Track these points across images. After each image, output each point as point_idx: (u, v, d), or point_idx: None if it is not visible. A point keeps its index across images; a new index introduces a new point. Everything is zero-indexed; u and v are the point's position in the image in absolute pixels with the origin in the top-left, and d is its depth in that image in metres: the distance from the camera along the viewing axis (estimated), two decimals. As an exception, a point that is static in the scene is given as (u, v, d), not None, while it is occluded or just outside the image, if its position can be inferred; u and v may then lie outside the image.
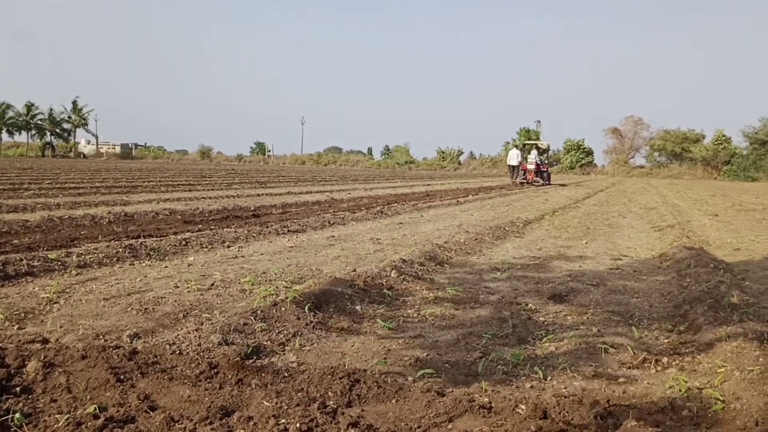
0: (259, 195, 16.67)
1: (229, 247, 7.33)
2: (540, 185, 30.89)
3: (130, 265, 5.94)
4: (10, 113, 79.81)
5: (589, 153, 77.82)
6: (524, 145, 37.05)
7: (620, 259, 7.37)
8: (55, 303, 4.34)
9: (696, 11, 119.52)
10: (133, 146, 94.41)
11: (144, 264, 6.02)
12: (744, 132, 68.00)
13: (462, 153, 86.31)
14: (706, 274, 5.71)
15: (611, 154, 79.62)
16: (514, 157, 32.29)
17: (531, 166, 31.59)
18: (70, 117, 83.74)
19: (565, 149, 75.84)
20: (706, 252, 7.54)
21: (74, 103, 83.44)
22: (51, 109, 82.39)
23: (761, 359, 3.19)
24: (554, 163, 45.66)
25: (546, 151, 37.86)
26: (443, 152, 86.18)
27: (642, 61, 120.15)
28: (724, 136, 69.34)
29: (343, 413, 2.59)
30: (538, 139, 68.14)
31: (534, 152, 32.65)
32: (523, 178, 31.37)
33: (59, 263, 5.57)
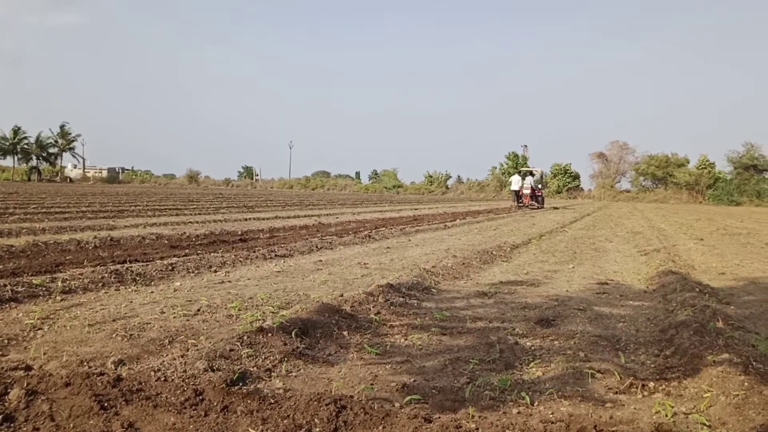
0: (246, 219, 16.64)
1: (215, 272, 7.30)
2: (536, 208, 33.50)
3: (115, 290, 5.90)
4: (-4, 137, 79.45)
5: (576, 177, 78.39)
6: (520, 171, 38.77)
7: (607, 284, 7.40)
8: (39, 329, 4.30)
9: (680, 37, 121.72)
10: (120, 170, 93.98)
11: (130, 289, 5.98)
12: (729, 157, 68.92)
13: (450, 177, 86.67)
14: (691, 299, 5.74)
15: (597, 178, 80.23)
16: (515, 183, 34.65)
17: (527, 191, 34.07)
18: (56, 141, 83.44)
19: (552, 173, 76.35)
20: (691, 276, 7.59)
21: (62, 127, 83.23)
22: (40, 134, 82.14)
23: (746, 384, 3.21)
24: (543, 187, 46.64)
25: (541, 177, 40.50)
26: (431, 176, 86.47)
27: (627, 87, 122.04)
28: (708, 160, 70.17)
29: (329, 440, 2.57)
30: (525, 163, 68.84)
31: (529, 178, 35.10)
32: (521, 202, 33.78)
33: (44, 289, 5.53)
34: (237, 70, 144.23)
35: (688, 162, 72.46)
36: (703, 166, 70.05)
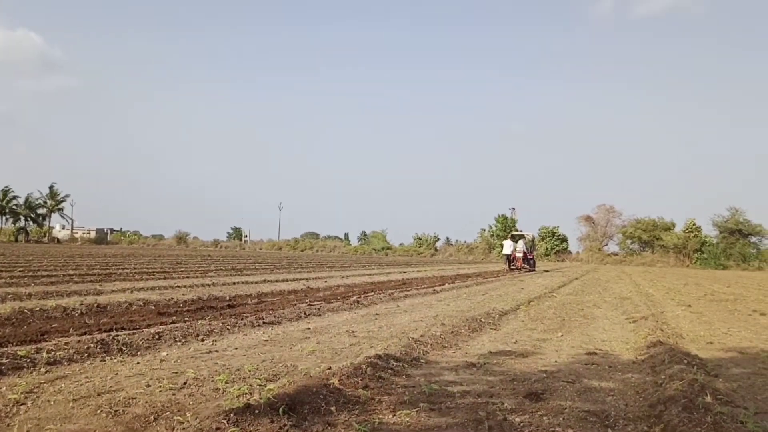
0: (234, 283, 16.55)
1: (203, 340, 7.25)
2: (527, 271, 35.22)
3: (101, 361, 5.84)
4: (-15, 198, 79.50)
5: (564, 240, 78.86)
6: (513, 236, 40.15)
7: (595, 354, 7.40)
8: (23, 404, 4.24)
9: (663, 102, 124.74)
10: (109, 231, 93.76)
11: (116, 360, 5.92)
12: (714, 221, 69.80)
13: (438, 239, 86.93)
14: (680, 372, 5.74)
15: (585, 241, 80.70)
16: (507, 247, 36.20)
17: (519, 254, 35.78)
18: (45, 202, 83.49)
19: (540, 236, 76.77)
20: (679, 347, 7.59)
21: (51, 188, 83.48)
22: (29, 195, 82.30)
23: (735, 465, 3.20)
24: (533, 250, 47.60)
25: (532, 241, 43.00)
26: (420, 238, 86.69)
27: (613, 150, 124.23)
28: (694, 224, 70.85)
29: None
30: (514, 225, 69.47)
31: (521, 242, 36.77)
32: (513, 265, 35.30)
33: (28, 360, 5.47)
34: (228, 131, 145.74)
35: (674, 226, 73.18)
36: (689, 229, 70.68)
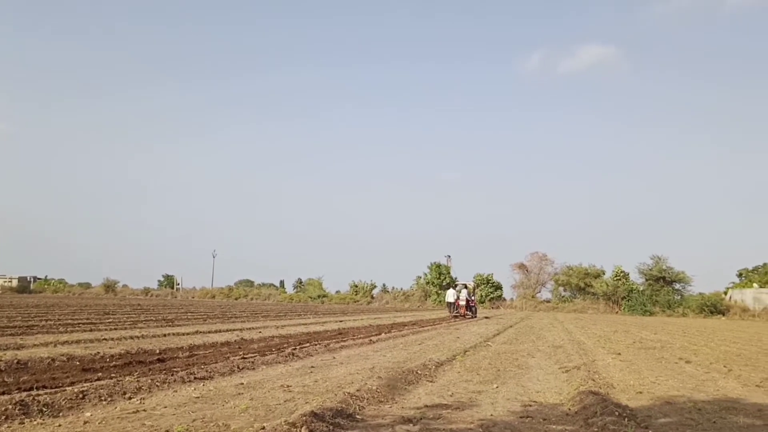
0: (165, 335, 16.03)
1: (130, 399, 6.97)
2: (470, 317, 37.92)
3: (19, 424, 5.54)
4: None
5: (498, 287, 79.94)
6: (456, 285, 43.53)
7: (530, 406, 7.46)
8: (-69, 476, 3.96)
9: (587, 151, 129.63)
10: (32, 279, 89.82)
11: (35, 422, 5.63)
12: (639, 269, 72.18)
13: (375, 287, 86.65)
14: (612, 424, 5.85)
15: (519, 288, 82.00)
16: (450, 295, 39.38)
17: (462, 302, 38.33)
18: (-36, 249, 79.72)
19: (475, 283, 77.69)
20: (611, 397, 7.73)
21: (-29, 234, 79.87)
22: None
23: None
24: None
25: (473, 289, 46.03)
26: (356, 286, 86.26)
27: (545, 200, 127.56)
28: (622, 272, 73.07)
29: None
30: (449, 273, 70.09)
31: (464, 291, 39.33)
32: (457, 312, 37.74)
33: (-61, 425, 5.14)
34: (158, 177, 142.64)
35: (604, 273, 75.21)
36: (618, 277, 72.82)
